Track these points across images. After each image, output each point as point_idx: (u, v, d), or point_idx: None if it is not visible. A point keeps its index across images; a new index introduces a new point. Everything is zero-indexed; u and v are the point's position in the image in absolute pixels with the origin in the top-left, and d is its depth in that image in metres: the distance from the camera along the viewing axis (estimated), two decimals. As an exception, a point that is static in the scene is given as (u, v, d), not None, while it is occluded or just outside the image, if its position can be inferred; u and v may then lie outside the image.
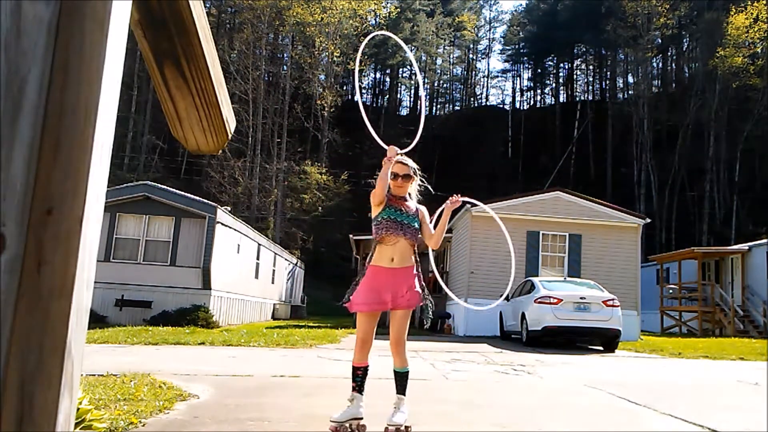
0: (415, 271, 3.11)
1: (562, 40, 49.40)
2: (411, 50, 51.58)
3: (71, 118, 0.74)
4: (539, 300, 10.15)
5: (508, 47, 57.47)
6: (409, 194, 3.26)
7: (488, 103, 57.58)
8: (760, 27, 33.73)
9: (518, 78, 57.65)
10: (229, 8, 43.32)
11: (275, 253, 21.05)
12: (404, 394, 3.05)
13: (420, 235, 3.18)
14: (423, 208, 3.25)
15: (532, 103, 56.57)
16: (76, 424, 2.36)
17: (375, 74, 54.44)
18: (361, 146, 40.82)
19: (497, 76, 60.46)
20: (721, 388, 5.53)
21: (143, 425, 2.96)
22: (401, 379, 3.06)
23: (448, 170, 39.86)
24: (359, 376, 3.07)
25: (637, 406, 4.14)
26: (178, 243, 13.96)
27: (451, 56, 56.30)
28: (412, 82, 55.38)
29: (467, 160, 43.13)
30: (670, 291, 20.72)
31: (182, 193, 15.03)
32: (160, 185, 15.00)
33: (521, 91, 57.33)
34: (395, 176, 3.15)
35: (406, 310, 3.05)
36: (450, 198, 3.16)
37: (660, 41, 42.79)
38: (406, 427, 2.94)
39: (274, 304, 21.11)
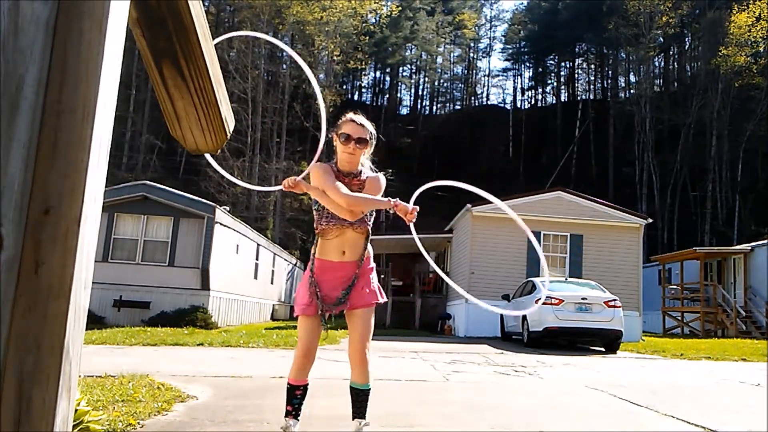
0: (371, 264, 2.53)
1: (563, 38, 49.37)
2: (411, 49, 51.72)
3: (69, 118, 0.73)
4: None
5: (509, 46, 57.47)
6: (361, 165, 2.53)
7: (489, 103, 57.60)
8: (762, 26, 33.69)
9: (519, 77, 57.65)
10: (228, 7, 43.34)
11: (274, 254, 21.06)
12: (364, 418, 2.40)
13: (371, 218, 2.51)
14: (375, 177, 2.51)
15: (533, 102, 56.57)
16: (74, 426, 2.35)
17: (375, 73, 54.46)
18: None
19: (498, 75, 60.52)
20: (723, 390, 5.52)
21: (141, 426, 2.96)
22: (362, 399, 2.40)
23: (449, 170, 39.86)
24: (298, 398, 2.42)
25: (639, 408, 4.13)
26: (176, 243, 13.95)
27: (452, 55, 56.30)
28: (412, 81, 55.41)
29: (468, 160, 43.13)
30: (672, 291, 20.70)
31: (181, 192, 15.01)
32: (158, 185, 14.98)
33: (522, 90, 57.33)
34: (347, 139, 2.42)
35: (367, 309, 2.44)
36: (406, 209, 2.28)
37: (662, 40, 42.74)
38: None
39: (274, 305, 21.11)
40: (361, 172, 2.52)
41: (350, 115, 2.51)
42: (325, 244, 2.46)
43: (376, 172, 2.59)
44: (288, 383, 2.47)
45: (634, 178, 38.71)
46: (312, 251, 2.52)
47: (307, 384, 2.47)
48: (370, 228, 2.50)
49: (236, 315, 16.19)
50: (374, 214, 2.57)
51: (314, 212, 2.51)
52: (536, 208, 14.99)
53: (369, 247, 2.53)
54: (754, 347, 11.11)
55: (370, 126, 2.51)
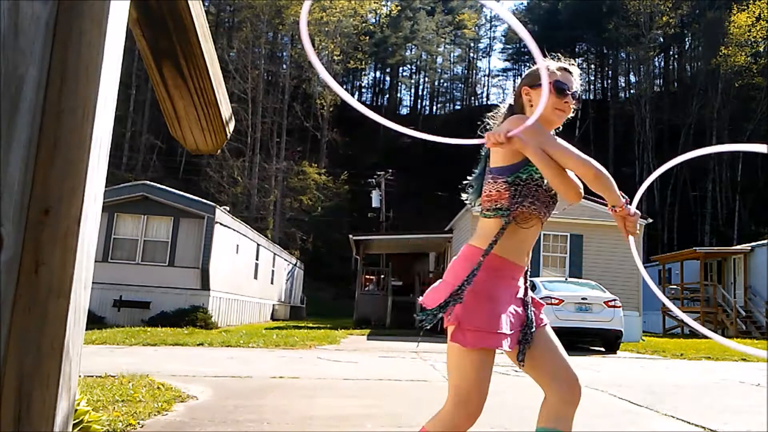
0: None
1: (563, 38, 49.34)
2: (411, 49, 51.78)
3: (69, 118, 0.73)
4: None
5: (509, 46, 57.48)
6: None
7: (489, 103, 57.58)
8: (762, 26, 33.73)
9: (519, 77, 57.59)
10: (228, 7, 43.35)
11: (274, 254, 21.06)
12: None
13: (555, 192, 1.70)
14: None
15: (533, 102, 56.56)
16: (74, 425, 2.35)
17: (375, 73, 54.49)
18: (361, 146, 40.81)
19: (498, 75, 60.55)
20: (723, 389, 5.52)
21: (141, 426, 2.96)
22: None
23: (449, 170, 39.86)
24: None
25: (639, 407, 4.13)
26: (176, 243, 13.95)
27: (452, 55, 56.32)
28: (412, 81, 55.43)
29: (468, 160, 43.08)
30: (672, 291, 20.70)
31: (181, 192, 15.02)
32: (158, 185, 14.98)
33: (522, 90, 57.30)
34: (562, 92, 1.69)
35: (548, 324, 1.83)
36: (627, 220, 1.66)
37: (662, 40, 42.77)
38: None
39: (273, 305, 21.11)
40: None
41: (556, 63, 1.76)
42: (515, 237, 1.60)
43: None
44: None
45: (634, 177, 38.70)
46: (478, 244, 1.61)
47: None
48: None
49: (236, 315, 16.19)
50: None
51: (504, 187, 1.62)
52: (536, 208, 14.97)
53: None
54: (753, 347, 11.11)
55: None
